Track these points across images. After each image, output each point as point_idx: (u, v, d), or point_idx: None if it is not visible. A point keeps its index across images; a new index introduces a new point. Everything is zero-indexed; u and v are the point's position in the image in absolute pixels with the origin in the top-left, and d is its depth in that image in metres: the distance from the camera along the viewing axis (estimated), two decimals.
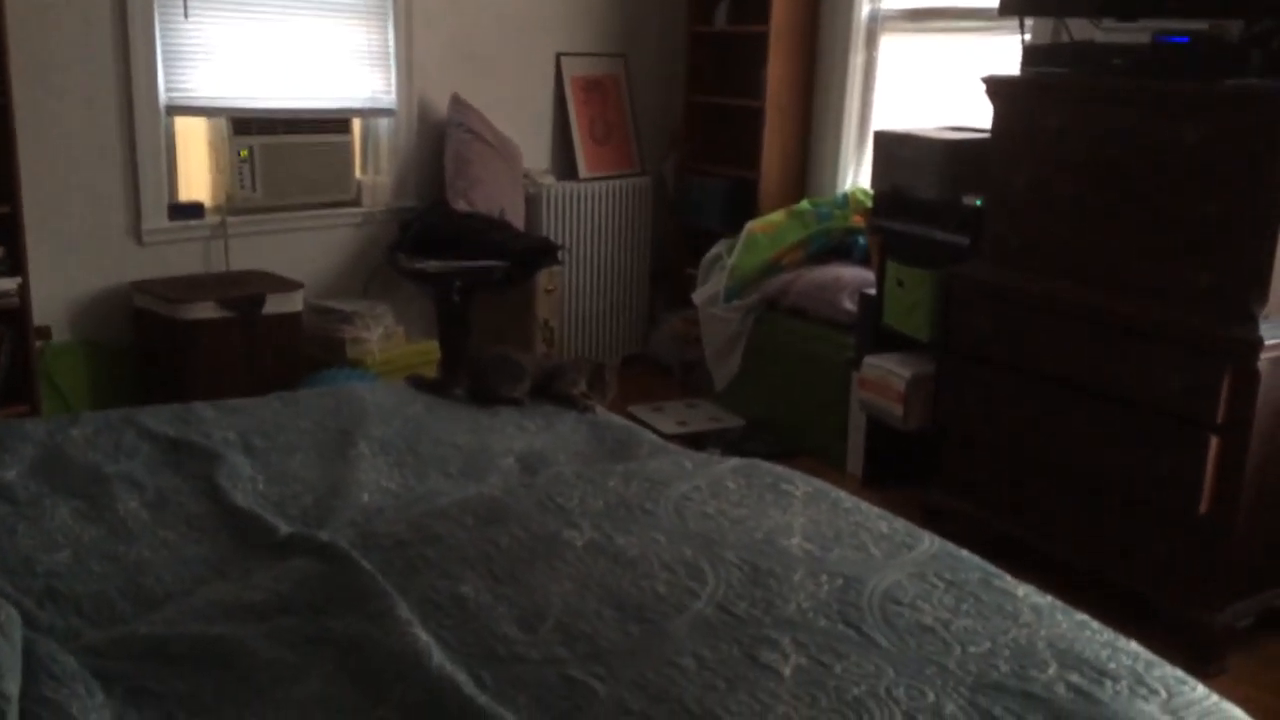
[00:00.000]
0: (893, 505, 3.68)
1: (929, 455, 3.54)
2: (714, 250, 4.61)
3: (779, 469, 2.16)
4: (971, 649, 1.52)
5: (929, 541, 1.88)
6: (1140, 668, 1.51)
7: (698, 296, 4.59)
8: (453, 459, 2.37)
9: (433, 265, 4.14)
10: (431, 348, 4.30)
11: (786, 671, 1.44)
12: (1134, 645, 1.59)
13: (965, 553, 1.86)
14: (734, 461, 2.19)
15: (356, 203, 4.44)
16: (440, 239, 4.22)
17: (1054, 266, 3.06)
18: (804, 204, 4.46)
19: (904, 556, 1.80)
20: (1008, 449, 3.22)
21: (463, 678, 1.40)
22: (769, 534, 1.84)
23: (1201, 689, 1.48)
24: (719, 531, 1.84)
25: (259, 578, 1.74)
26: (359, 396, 2.70)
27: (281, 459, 2.33)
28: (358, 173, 4.48)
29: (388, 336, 4.19)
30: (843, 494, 2.06)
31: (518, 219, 4.53)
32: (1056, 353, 3.03)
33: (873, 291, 3.81)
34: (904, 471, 3.84)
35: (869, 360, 3.70)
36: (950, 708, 1.39)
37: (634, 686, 1.40)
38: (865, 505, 2.01)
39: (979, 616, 1.61)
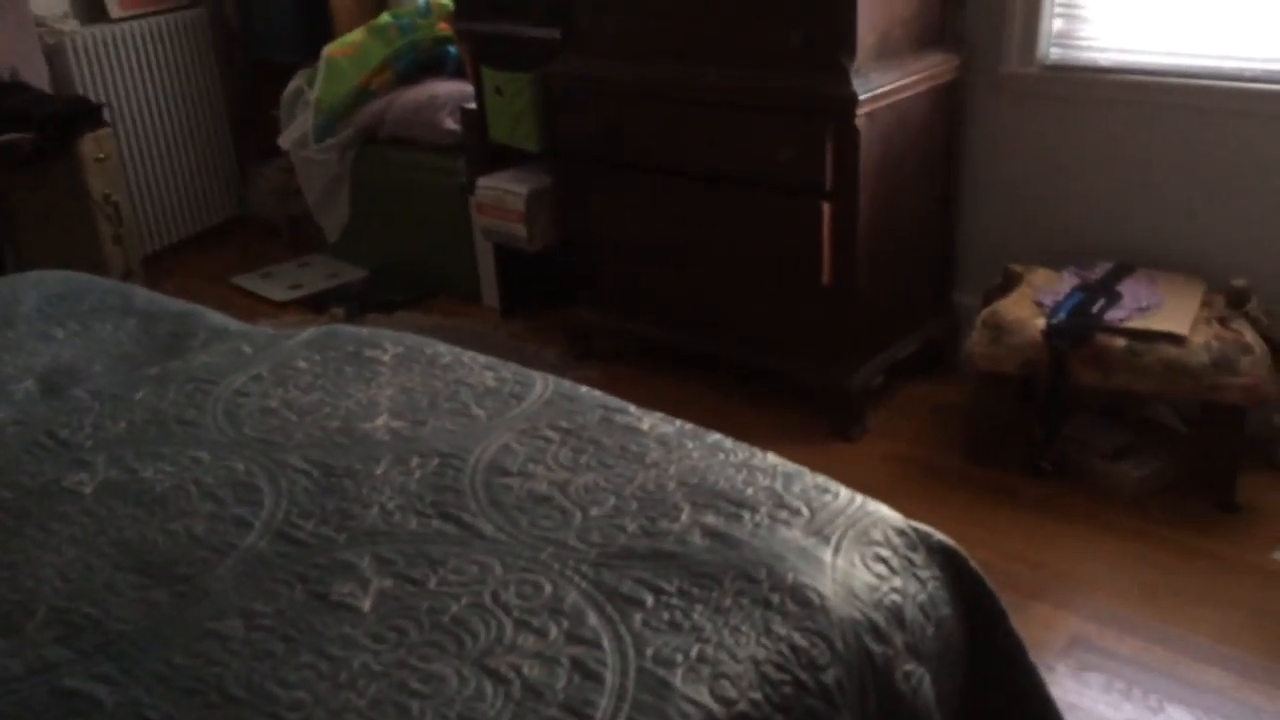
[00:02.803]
0: (539, 332, 3.50)
1: (568, 274, 3.30)
2: (293, 84, 4.05)
3: (364, 333, 1.78)
4: (594, 511, 1.26)
5: (541, 385, 1.58)
6: (779, 486, 1.31)
7: (285, 140, 4.03)
8: None
9: None
10: None
11: (366, 605, 1.12)
12: (771, 458, 1.39)
13: (585, 390, 1.58)
14: (308, 334, 1.79)
15: None
16: None
17: (649, 48, 2.79)
18: (384, 17, 3.95)
19: (512, 411, 1.50)
20: (638, 252, 3.03)
21: None
22: (347, 419, 1.48)
23: (844, 494, 1.31)
24: (283, 430, 1.46)
25: None
26: None
27: None
28: None
29: None
30: (442, 348, 1.72)
31: (38, 78, 3.73)
32: (665, 141, 2.81)
33: (474, 106, 3.46)
34: (545, 296, 3.60)
35: (482, 182, 3.38)
36: (572, 596, 1.12)
37: (156, 681, 1.03)
38: (470, 356, 1.69)
39: (601, 467, 1.35)
